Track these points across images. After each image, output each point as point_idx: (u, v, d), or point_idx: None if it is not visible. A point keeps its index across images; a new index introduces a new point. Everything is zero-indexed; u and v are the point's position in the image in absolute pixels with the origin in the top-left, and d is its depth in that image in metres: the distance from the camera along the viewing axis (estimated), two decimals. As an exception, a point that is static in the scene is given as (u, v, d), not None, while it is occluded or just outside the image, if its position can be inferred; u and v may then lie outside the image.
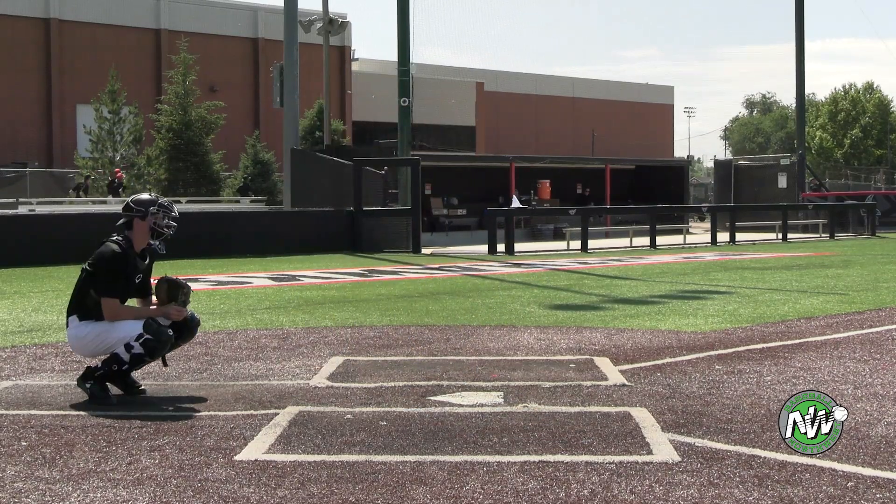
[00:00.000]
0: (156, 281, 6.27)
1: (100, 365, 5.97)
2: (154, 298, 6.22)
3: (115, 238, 6.13)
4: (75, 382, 6.07)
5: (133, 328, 5.87)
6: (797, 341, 8.19)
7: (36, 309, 10.71)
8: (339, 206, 23.08)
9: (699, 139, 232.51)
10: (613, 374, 6.66)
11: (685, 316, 9.91)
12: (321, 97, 37.31)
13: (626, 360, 7.24)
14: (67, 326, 6.12)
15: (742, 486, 4.16)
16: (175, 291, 6.14)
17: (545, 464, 4.48)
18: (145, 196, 6.32)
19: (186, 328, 6.15)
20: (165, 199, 6.39)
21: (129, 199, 6.38)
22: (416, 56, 25.10)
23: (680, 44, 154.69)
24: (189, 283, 6.28)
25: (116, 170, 34.68)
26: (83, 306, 6.04)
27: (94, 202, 32.37)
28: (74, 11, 46.08)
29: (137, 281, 6.15)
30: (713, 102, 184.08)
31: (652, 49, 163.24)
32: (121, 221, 6.19)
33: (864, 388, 6.21)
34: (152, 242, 6.18)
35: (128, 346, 5.85)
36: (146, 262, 6.24)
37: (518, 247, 22.83)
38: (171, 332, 5.96)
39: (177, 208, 6.36)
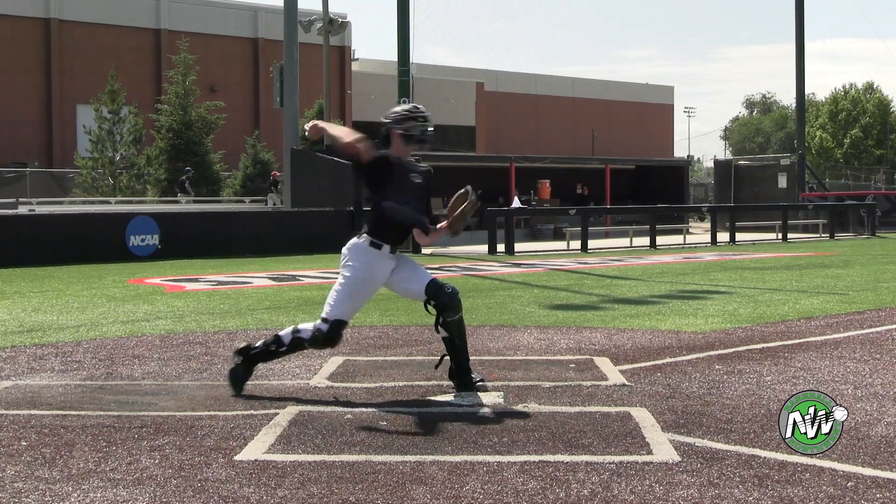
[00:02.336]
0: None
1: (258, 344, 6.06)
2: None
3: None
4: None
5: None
6: (797, 341, 8.19)
7: (36, 309, 10.71)
8: (339, 206, 23.08)
9: (699, 139, 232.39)
10: (613, 374, 6.66)
11: (685, 316, 9.91)
12: (321, 97, 37.31)
13: (626, 360, 7.24)
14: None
15: (742, 486, 4.15)
16: (460, 201, 6.07)
17: (545, 464, 4.48)
18: (397, 108, 6.23)
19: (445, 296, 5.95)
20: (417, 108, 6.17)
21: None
22: (416, 56, 25.09)
23: (680, 44, 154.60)
24: (472, 198, 6.10)
25: (274, 172, 34.88)
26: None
27: (94, 202, 32.36)
28: (74, 11, 46.09)
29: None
30: (713, 102, 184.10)
31: (652, 49, 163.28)
32: (376, 141, 6.07)
33: (864, 388, 6.21)
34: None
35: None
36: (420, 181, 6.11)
37: (518, 247, 22.83)
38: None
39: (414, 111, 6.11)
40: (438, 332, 6.05)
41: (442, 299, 5.91)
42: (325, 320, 5.86)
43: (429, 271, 6.20)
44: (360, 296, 5.99)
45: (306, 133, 6.07)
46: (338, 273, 6.18)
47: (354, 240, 6.04)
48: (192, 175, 35.49)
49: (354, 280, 5.93)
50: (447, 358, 6.11)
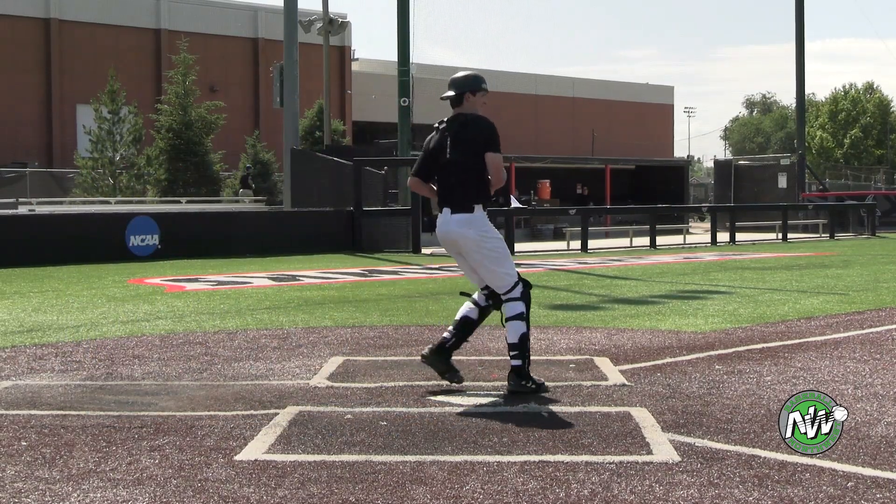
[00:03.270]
0: None
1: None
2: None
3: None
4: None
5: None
6: (797, 341, 8.19)
7: (36, 309, 10.71)
8: (339, 206, 23.08)
9: (699, 139, 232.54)
10: (613, 374, 6.66)
11: (685, 316, 9.91)
12: (321, 97, 37.32)
13: (626, 360, 7.24)
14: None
15: (742, 486, 4.15)
16: None
17: (545, 464, 4.48)
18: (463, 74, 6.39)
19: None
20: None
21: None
22: (416, 56, 25.12)
23: (680, 44, 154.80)
24: None
25: (247, 168, 35.13)
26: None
27: (94, 202, 32.36)
28: (74, 11, 46.10)
29: None
30: (713, 102, 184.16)
31: (652, 49, 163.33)
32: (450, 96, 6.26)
33: (864, 388, 6.21)
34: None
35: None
36: None
37: (518, 247, 22.84)
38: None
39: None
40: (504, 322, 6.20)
41: (528, 285, 6.19)
42: (513, 288, 6.04)
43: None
44: (507, 253, 6.18)
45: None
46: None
47: (455, 225, 6.09)
48: (252, 171, 35.65)
49: (495, 243, 6.10)
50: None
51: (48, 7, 45.42)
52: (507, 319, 6.05)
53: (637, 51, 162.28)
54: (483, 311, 6.27)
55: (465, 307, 6.29)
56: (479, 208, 6.07)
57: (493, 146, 6.05)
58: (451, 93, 6.25)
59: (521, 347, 6.02)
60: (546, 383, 6.12)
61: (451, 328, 6.25)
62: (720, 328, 8.98)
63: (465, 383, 6.26)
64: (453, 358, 6.23)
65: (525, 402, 5.78)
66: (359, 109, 52.88)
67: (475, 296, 6.31)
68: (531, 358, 6.15)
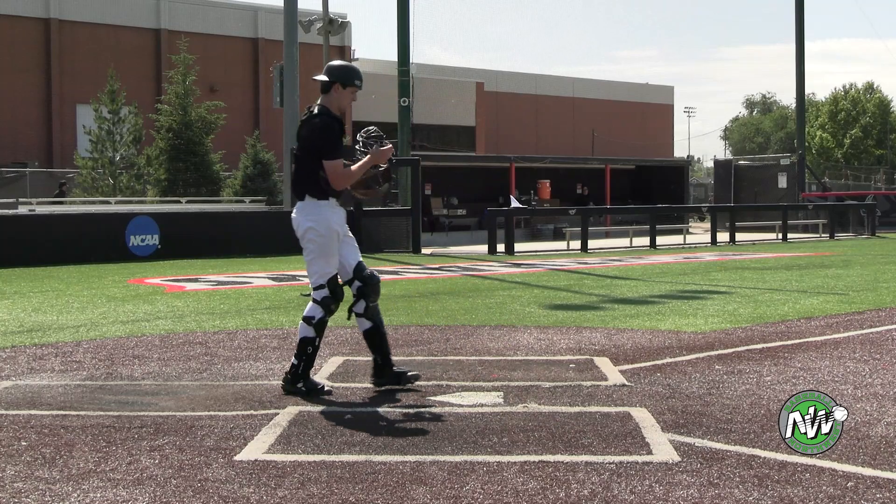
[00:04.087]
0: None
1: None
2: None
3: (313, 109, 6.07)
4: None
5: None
6: (797, 341, 8.19)
7: (36, 309, 10.71)
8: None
9: (699, 139, 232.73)
10: (613, 374, 6.66)
11: (685, 316, 9.91)
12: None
13: (626, 360, 7.24)
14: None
15: (742, 486, 4.15)
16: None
17: (545, 464, 4.48)
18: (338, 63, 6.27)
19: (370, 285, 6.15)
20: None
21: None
22: (416, 56, 25.13)
23: (680, 44, 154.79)
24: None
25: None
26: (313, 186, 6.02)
27: (94, 202, 32.37)
28: (74, 11, 46.08)
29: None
30: (713, 102, 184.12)
31: (652, 49, 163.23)
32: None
33: (864, 388, 6.21)
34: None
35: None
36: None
37: (518, 247, 22.83)
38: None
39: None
40: (351, 318, 6.16)
41: (373, 280, 6.10)
42: (317, 289, 5.98)
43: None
44: (333, 251, 6.05)
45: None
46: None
47: (295, 214, 6.19)
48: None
49: (320, 239, 6.02)
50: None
51: (48, 7, 45.40)
52: (302, 317, 6.04)
53: (637, 51, 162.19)
54: (369, 312, 6.16)
55: (360, 325, 6.23)
56: (311, 199, 5.99)
57: (326, 153, 5.92)
58: (324, 78, 6.10)
59: (301, 349, 5.99)
60: (326, 387, 6.07)
61: (371, 350, 6.24)
62: (720, 328, 8.98)
63: (464, 383, 6.25)
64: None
65: (525, 402, 5.78)
66: (359, 109, 52.88)
67: (355, 309, 6.16)
68: (308, 365, 6.03)
